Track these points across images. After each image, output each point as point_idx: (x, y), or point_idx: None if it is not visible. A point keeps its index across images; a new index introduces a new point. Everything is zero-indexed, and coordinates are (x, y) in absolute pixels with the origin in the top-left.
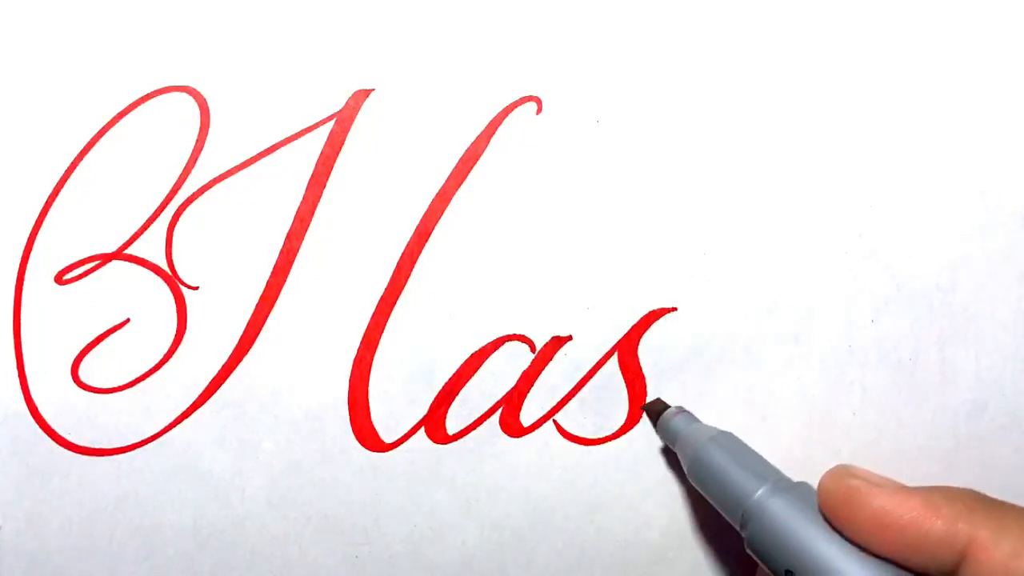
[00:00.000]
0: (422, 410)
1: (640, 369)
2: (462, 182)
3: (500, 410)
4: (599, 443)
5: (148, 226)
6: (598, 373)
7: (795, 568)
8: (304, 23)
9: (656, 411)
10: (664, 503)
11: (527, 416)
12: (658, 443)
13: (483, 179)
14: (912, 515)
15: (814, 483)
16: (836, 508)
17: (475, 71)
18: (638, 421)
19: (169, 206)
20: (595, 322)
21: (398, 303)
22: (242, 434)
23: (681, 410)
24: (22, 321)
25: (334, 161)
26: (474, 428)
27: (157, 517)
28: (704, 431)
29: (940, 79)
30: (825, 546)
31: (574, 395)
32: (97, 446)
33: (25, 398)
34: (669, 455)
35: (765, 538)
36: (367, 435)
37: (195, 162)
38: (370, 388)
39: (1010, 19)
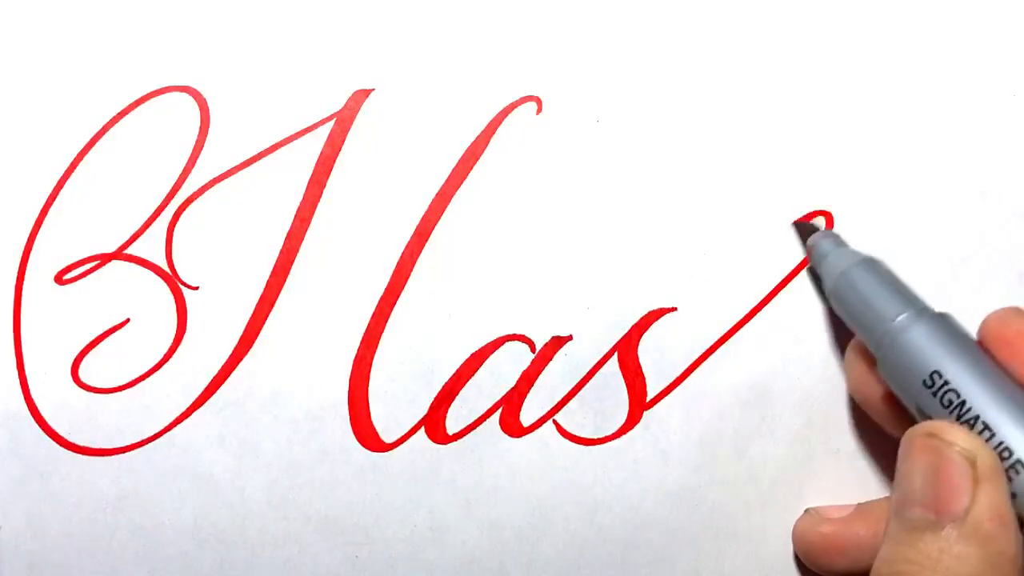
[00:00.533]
0: (422, 410)
1: (640, 369)
2: (462, 182)
3: (500, 410)
4: (599, 443)
5: (148, 226)
6: (598, 373)
7: (943, 371)
8: (304, 23)
9: (807, 230)
10: (664, 503)
11: (527, 416)
12: (659, 443)
13: (483, 179)
14: None
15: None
16: (999, 343)
17: (475, 71)
18: (638, 421)
19: (169, 206)
20: (595, 322)
21: (398, 303)
22: (242, 434)
23: (830, 233)
24: (22, 321)
25: (334, 161)
26: (474, 428)
27: (157, 517)
28: (852, 254)
29: (940, 79)
30: (976, 370)
31: (574, 395)
32: (97, 446)
33: (25, 398)
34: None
35: (908, 356)
36: (367, 435)
37: (195, 162)
38: (370, 388)
39: (1010, 19)
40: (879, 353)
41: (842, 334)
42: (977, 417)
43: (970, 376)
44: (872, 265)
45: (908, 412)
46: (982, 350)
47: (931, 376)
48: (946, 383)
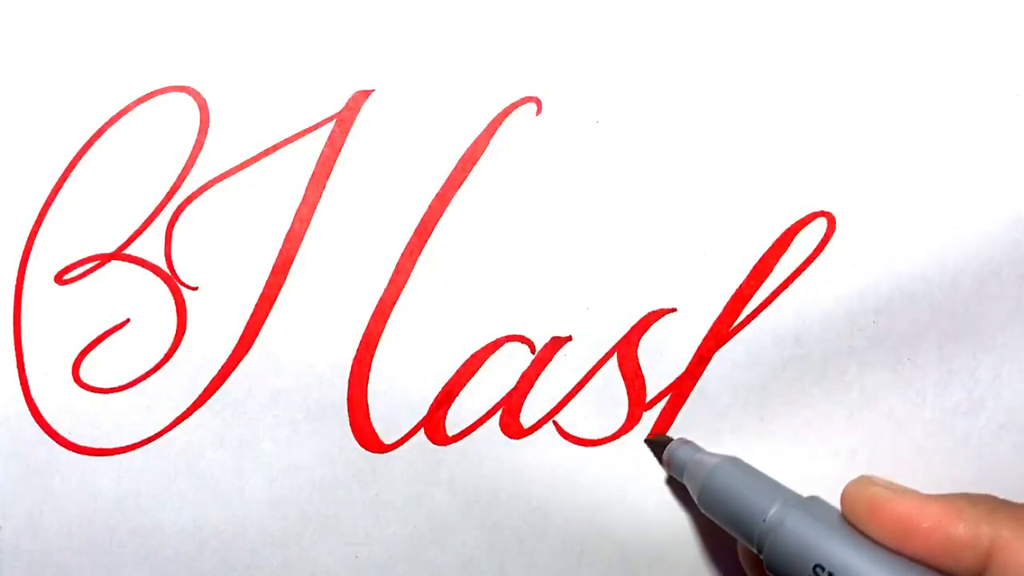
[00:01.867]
0: (422, 411)
1: (640, 369)
2: (462, 182)
3: (500, 411)
4: (599, 444)
5: (148, 226)
6: (598, 374)
7: (824, 564)
8: (304, 23)
9: (660, 444)
10: (664, 503)
11: (527, 417)
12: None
13: (483, 179)
14: (935, 519)
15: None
16: (860, 514)
17: (475, 71)
18: (638, 421)
19: (168, 206)
20: (595, 322)
21: (398, 303)
22: (242, 434)
23: (685, 441)
24: (22, 321)
25: (334, 161)
26: (474, 429)
27: (157, 517)
28: (709, 459)
29: (941, 79)
30: (852, 550)
31: (574, 396)
32: (97, 446)
33: (25, 398)
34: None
35: (787, 551)
36: (367, 436)
37: (195, 162)
38: (370, 388)
39: (1013, 19)
40: (763, 556)
41: None
42: None
43: (850, 559)
44: (730, 465)
45: None
46: (850, 527)
47: (814, 570)
48: (831, 574)
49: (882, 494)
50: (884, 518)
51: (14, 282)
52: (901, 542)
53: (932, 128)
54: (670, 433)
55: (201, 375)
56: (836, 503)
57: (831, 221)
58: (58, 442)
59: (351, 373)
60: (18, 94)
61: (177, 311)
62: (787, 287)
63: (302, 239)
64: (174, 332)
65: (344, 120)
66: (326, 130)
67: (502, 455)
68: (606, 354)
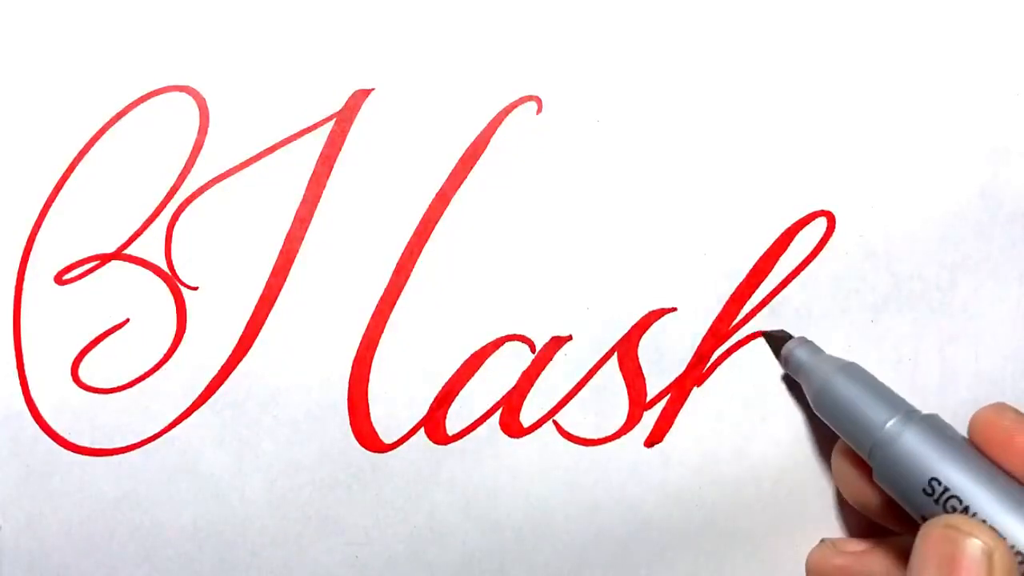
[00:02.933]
0: (422, 411)
1: (640, 369)
2: (462, 182)
3: (500, 411)
4: (599, 443)
5: (147, 226)
6: (598, 373)
7: (942, 480)
8: (304, 23)
9: (779, 340)
10: (664, 503)
11: (527, 416)
12: (659, 443)
13: (483, 179)
14: None
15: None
16: (993, 437)
17: (475, 71)
18: (638, 421)
19: (168, 206)
20: (595, 322)
21: (398, 303)
22: (242, 434)
23: (805, 340)
24: (22, 321)
25: (334, 161)
26: (474, 429)
27: (157, 517)
28: (831, 361)
29: (940, 79)
30: (974, 470)
31: (574, 395)
32: (97, 446)
33: (25, 398)
34: (671, 455)
35: (904, 462)
36: (367, 435)
37: (194, 162)
38: (370, 388)
39: (1012, 19)
40: (873, 463)
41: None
42: (984, 522)
43: (969, 479)
44: (852, 372)
45: (908, 514)
46: (974, 449)
47: (930, 484)
48: (946, 489)
49: (1019, 423)
50: (1017, 448)
51: (14, 282)
52: None
53: (932, 128)
54: (669, 435)
55: (201, 375)
56: (835, 502)
57: (831, 221)
58: (58, 442)
59: (351, 373)
60: (18, 94)
61: (177, 311)
62: (787, 287)
63: (302, 239)
64: (174, 332)
65: (344, 120)
66: (326, 130)
67: (502, 455)
68: (606, 354)
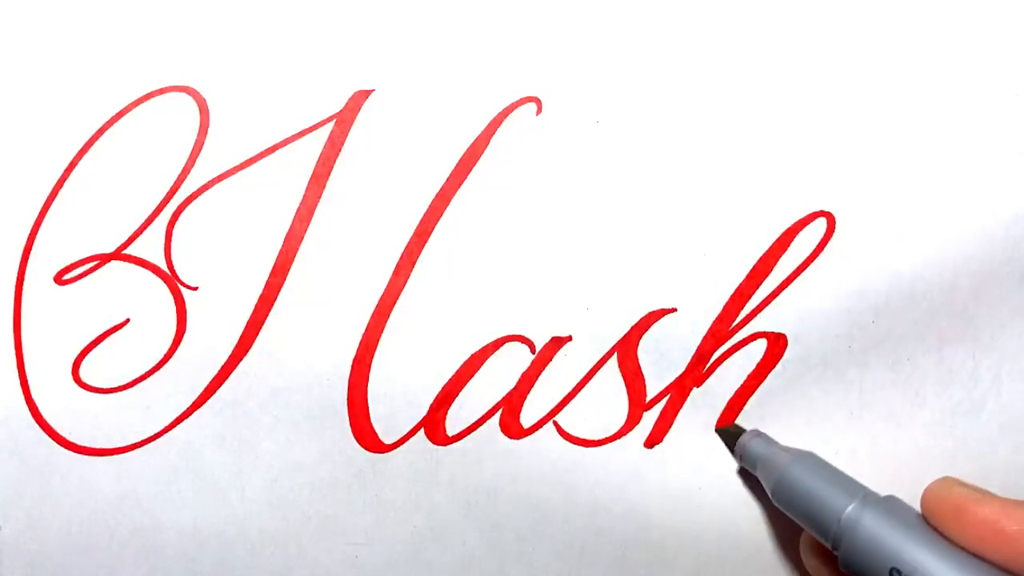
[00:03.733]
0: (422, 411)
1: (640, 370)
2: (462, 182)
3: (500, 411)
4: (599, 444)
5: (147, 226)
6: (598, 374)
7: (902, 567)
8: (304, 23)
9: (732, 435)
10: (664, 504)
11: (527, 417)
12: (659, 444)
13: (483, 179)
14: (1022, 523)
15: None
16: (944, 516)
17: (475, 71)
18: (638, 422)
19: (168, 206)
20: (595, 323)
21: (398, 303)
22: (242, 434)
23: (757, 433)
24: (22, 321)
25: (334, 161)
26: (474, 429)
27: (157, 517)
28: (785, 453)
29: (940, 80)
30: (932, 552)
31: (574, 396)
32: (97, 446)
33: (25, 398)
34: (671, 456)
35: (865, 550)
36: (367, 436)
37: (195, 162)
38: (370, 388)
39: (1012, 20)
40: (838, 552)
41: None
42: None
43: (931, 562)
44: (806, 461)
45: None
46: (930, 529)
47: (891, 573)
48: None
49: (969, 496)
50: (969, 521)
51: (14, 282)
52: (985, 547)
53: (931, 128)
54: (669, 435)
55: (201, 375)
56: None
57: (831, 221)
58: (58, 442)
59: (351, 373)
60: (18, 94)
61: (177, 311)
62: (787, 287)
63: (302, 239)
64: (174, 332)
65: (344, 120)
66: (326, 130)
67: (502, 455)
68: (606, 354)
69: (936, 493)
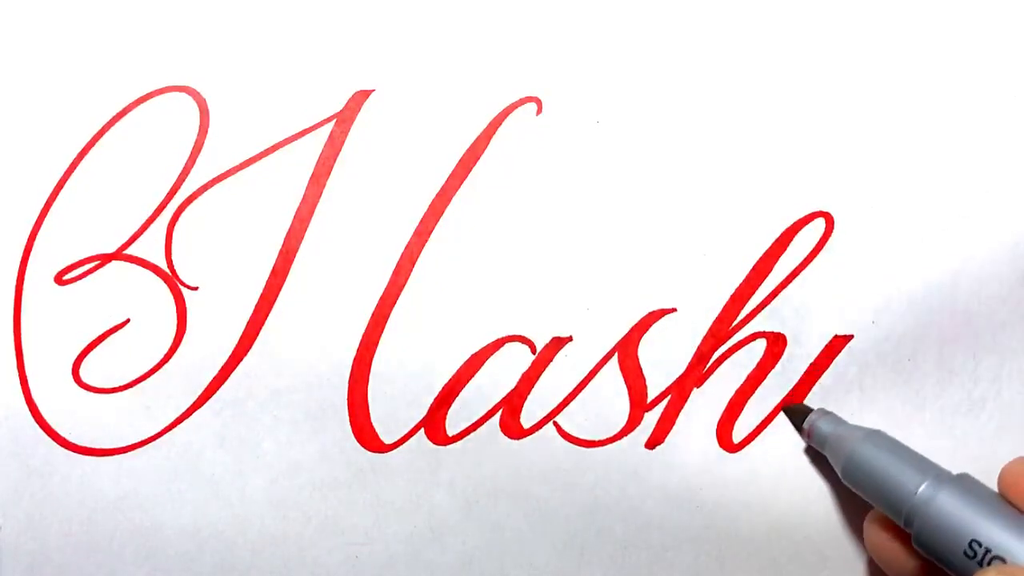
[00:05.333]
0: (422, 411)
1: (640, 370)
2: (462, 182)
3: (500, 411)
4: (600, 444)
5: (148, 226)
6: (598, 374)
7: (983, 541)
8: (304, 23)
9: (799, 414)
10: (664, 504)
11: (527, 417)
12: (659, 444)
13: (483, 179)
14: None
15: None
16: (1020, 490)
17: (475, 71)
18: (639, 423)
19: (169, 206)
20: (595, 323)
21: (398, 303)
22: (242, 434)
23: (825, 412)
24: (22, 321)
25: (334, 161)
26: (474, 429)
27: (157, 517)
28: (854, 431)
29: (941, 79)
30: (1010, 526)
31: (574, 396)
32: (97, 446)
33: (25, 398)
34: (672, 456)
35: (942, 526)
36: (367, 436)
37: (195, 162)
38: (370, 388)
39: (1011, 19)
40: (912, 529)
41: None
42: None
43: (1008, 536)
44: (877, 439)
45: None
46: (1008, 505)
47: (971, 546)
48: (988, 550)
49: None
50: None
51: (14, 282)
52: None
53: (931, 129)
54: (670, 436)
55: (201, 375)
56: (836, 502)
57: (830, 221)
58: (58, 442)
59: (351, 373)
60: (19, 94)
61: (177, 311)
62: (786, 287)
63: (302, 239)
64: (174, 332)
65: (344, 120)
66: (326, 130)
67: (502, 455)
68: (607, 354)
69: (1014, 471)
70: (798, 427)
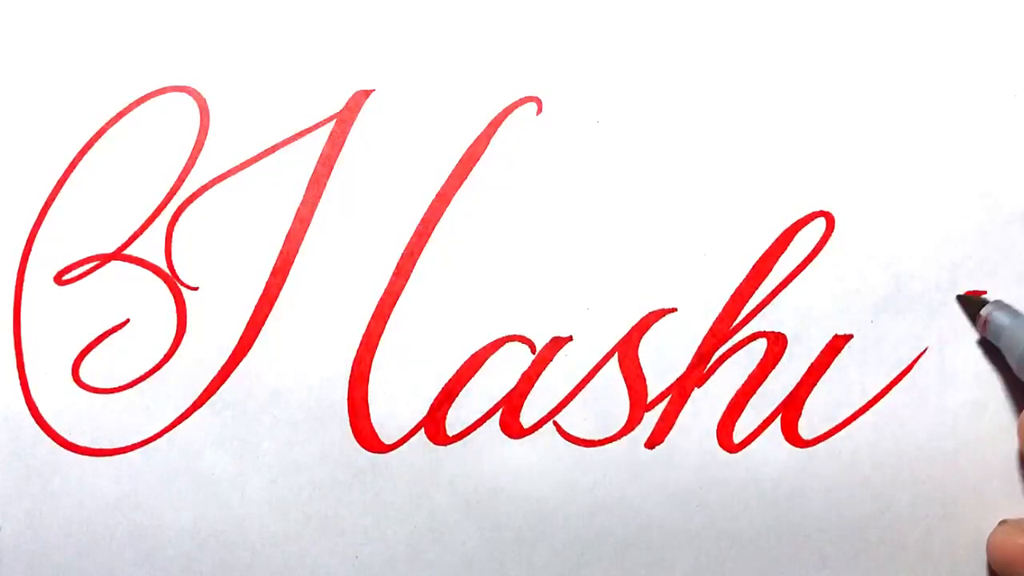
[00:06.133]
0: (422, 411)
1: (640, 370)
2: (462, 182)
3: (500, 411)
4: (600, 444)
5: (148, 226)
6: (598, 374)
7: None
8: (304, 23)
9: (975, 304)
10: (664, 504)
11: (527, 417)
12: (659, 444)
13: (483, 179)
14: None
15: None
16: None
17: (475, 71)
18: (639, 423)
19: (169, 206)
20: (595, 323)
21: (398, 303)
22: (242, 434)
23: (1002, 304)
24: (22, 321)
25: (334, 161)
26: (474, 429)
27: (157, 517)
28: None
29: (941, 79)
30: None
31: (574, 396)
32: (97, 446)
33: (25, 398)
34: (672, 456)
35: None
36: (367, 436)
37: (195, 162)
38: (370, 389)
39: (1011, 20)
40: None
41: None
42: None
43: None
44: None
45: None
46: None
47: None
48: None
49: None
50: None
51: (14, 282)
52: None
53: (931, 128)
54: (670, 436)
55: (201, 375)
56: (837, 501)
57: (830, 221)
58: (58, 442)
59: (351, 373)
60: (18, 94)
61: (177, 311)
62: (786, 287)
63: (302, 239)
64: (174, 332)
65: (344, 120)
66: (326, 130)
67: (502, 455)
68: (607, 354)
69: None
70: (972, 317)
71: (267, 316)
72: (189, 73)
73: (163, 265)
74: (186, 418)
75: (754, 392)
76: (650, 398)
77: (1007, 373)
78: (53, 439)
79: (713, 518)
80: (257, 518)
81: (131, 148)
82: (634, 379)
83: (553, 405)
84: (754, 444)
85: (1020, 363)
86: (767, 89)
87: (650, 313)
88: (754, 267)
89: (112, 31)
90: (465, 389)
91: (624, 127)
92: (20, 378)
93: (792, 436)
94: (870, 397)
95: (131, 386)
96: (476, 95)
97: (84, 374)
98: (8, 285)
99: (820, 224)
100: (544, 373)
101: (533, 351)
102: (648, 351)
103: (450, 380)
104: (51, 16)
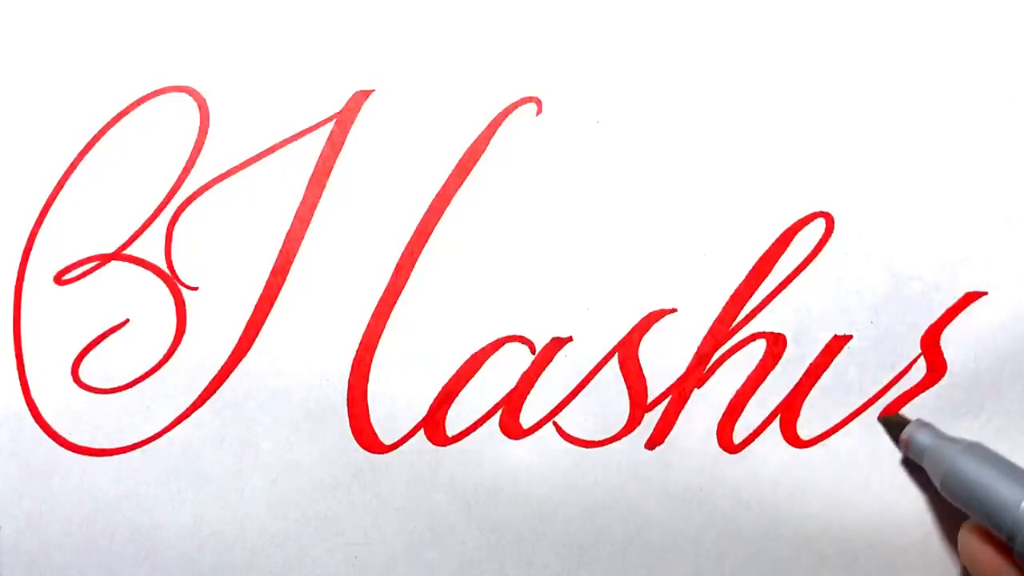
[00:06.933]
0: (421, 411)
1: (640, 370)
2: (462, 182)
3: (500, 412)
4: (600, 445)
5: (147, 226)
6: (598, 374)
7: None
8: (304, 23)
9: (896, 425)
10: (664, 505)
11: (527, 418)
12: (659, 445)
13: (483, 179)
14: None
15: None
16: None
17: (475, 71)
18: (639, 423)
19: (168, 206)
20: (595, 323)
21: (398, 303)
22: (242, 434)
23: (923, 423)
24: (22, 321)
25: (334, 161)
26: (474, 430)
27: (157, 517)
28: (954, 444)
29: (941, 79)
30: None
31: (574, 397)
32: (97, 446)
33: (25, 398)
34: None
35: None
36: (366, 436)
37: (195, 162)
38: (369, 389)
39: (1011, 19)
40: (1015, 543)
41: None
42: None
43: None
44: (977, 452)
45: None
46: None
47: None
48: None
49: None
50: None
51: (14, 282)
52: None
53: (931, 129)
54: (670, 436)
55: (201, 375)
56: (837, 501)
57: (830, 221)
58: (58, 442)
59: (351, 373)
60: (18, 94)
61: (177, 311)
62: (786, 287)
63: (302, 239)
64: (174, 332)
65: (344, 120)
66: (326, 130)
67: (502, 455)
68: (607, 355)
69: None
70: (895, 438)
71: (267, 316)
72: (189, 73)
73: (163, 265)
74: (186, 418)
75: (754, 392)
76: (650, 398)
77: (931, 491)
78: (53, 439)
79: (713, 518)
80: (257, 518)
81: (131, 148)
82: (634, 379)
83: (553, 406)
84: (754, 444)
85: (943, 485)
86: (767, 90)
87: (650, 313)
88: (754, 268)
89: (112, 31)
90: (465, 389)
91: (624, 127)
92: (20, 378)
93: (792, 436)
94: (869, 397)
95: (131, 386)
96: (476, 95)
97: (84, 374)
98: (8, 285)
99: (820, 224)
100: (544, 373)
101: (533, 351)
102: (648, 351)
103: (450, 380)
104: (51, 16)
